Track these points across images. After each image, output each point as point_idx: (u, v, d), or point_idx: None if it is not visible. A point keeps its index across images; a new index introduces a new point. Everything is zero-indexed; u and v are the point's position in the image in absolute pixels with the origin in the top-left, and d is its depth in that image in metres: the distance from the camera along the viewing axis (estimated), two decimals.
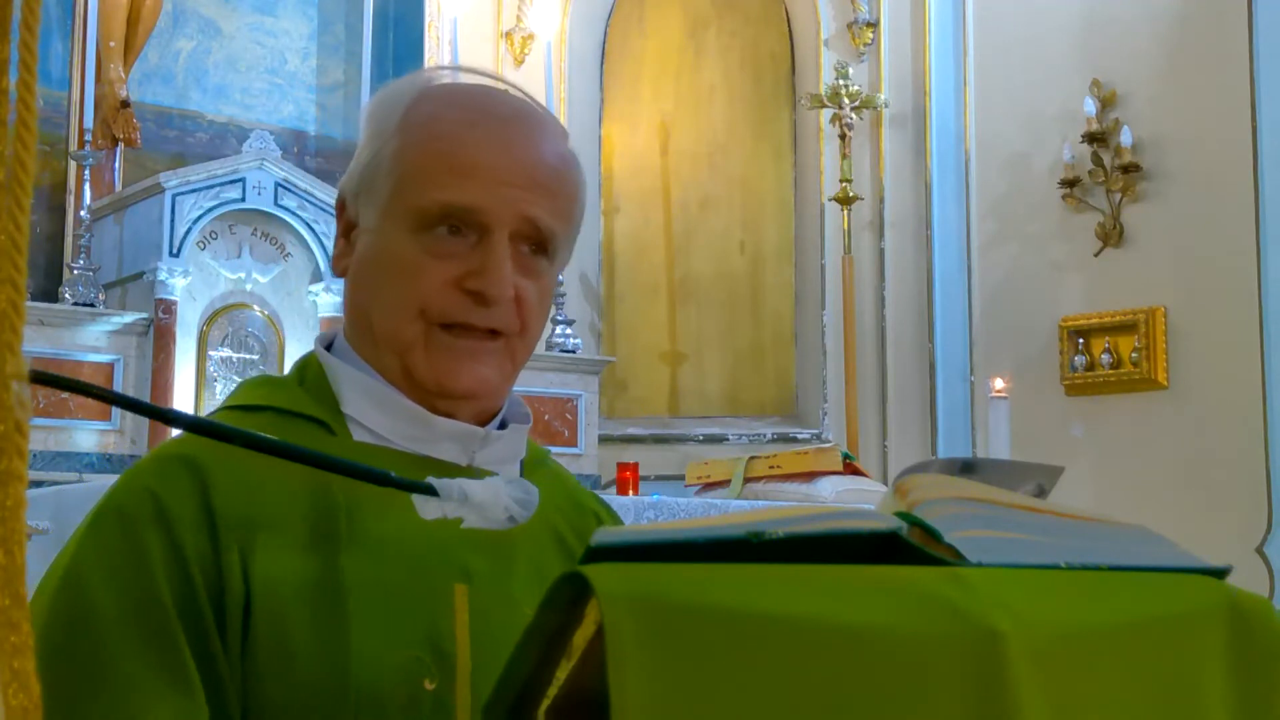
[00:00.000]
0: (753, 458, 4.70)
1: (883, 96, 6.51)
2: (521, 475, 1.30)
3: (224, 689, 1.09)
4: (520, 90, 1.32)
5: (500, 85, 1.31)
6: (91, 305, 4.99)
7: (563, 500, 1.35)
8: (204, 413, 1.38)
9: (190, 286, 5.01)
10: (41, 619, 1.08)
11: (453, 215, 1.21)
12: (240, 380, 1.37)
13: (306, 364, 1.30)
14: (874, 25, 6.59)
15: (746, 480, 4.56)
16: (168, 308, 4.91)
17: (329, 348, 1.31)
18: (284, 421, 1.22)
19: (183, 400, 4.91)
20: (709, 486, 4.71)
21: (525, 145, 1.24)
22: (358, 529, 1.16)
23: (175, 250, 4.94)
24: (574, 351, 5.99)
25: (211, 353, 5.06)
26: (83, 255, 5.09)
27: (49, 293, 5.13)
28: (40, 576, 1.15)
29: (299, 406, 1.24)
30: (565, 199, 1.27)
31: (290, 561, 1.13)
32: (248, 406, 1.25)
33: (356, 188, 1.28)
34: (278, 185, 5.13)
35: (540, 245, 1.25)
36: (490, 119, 1.24)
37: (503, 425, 1.30)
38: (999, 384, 4.93)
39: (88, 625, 1.08)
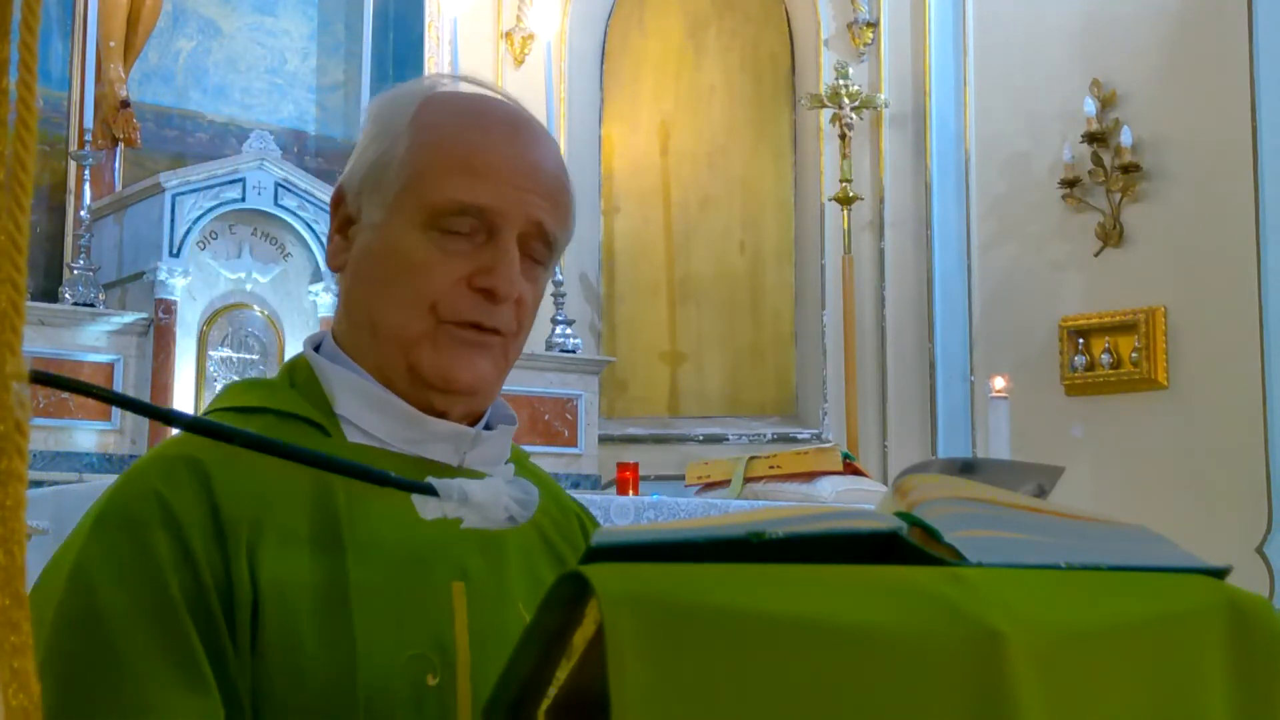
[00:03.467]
0: (753, 458, 4.70)
1: (883, 96, 6.51)
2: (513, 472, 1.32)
3: (236, 689, 1.10)
4: (516, 101, 1.34)
5: (499, 95, 1.33)
6: (91, 305, 4.99)
7: (547, 501, 1.35)
8: (201, 413, 1.37)
9: (190, 286, 5.01)
10: (49, 622, 1.09)
11: (467, 213, 1.23)
12: (232, 382, 1.37)
13: (295, 366, 1.30)
14: (874, 25, 6.59)
15: (746, 480, 4.56)
16: (168, 308, 4.91)
17: (316, 350, 1.31)
18: (281, 423, 1.23)
19: (183, 400, 4.91)
20: (709, 486, 4.71)
21: (533, 151, 1.27)
22: (359, 529, 1.17)
23: (175, 250, 4.94)
24: (574, 351, 5.99)
25: (211, 353, 5.06)
26: (83, 255, 5.09)
27: (49, 293, 5.13)
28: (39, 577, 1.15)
29: (294, 408, 1.25)
30: (564, 207, 1.30)
31: (296, 562, 1.14)
32: (245, 409, 1.26)
33: (360, 184, 1.29)
34: (278, 185, 5.14)
35: (541, 250, 1.27)
36: (502, 123, 1.28)
37: (488, 426, 1.31)
38: (999, 384, 4.93)
39: (100, 628, 1.08)
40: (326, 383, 1.27)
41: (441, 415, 1.25)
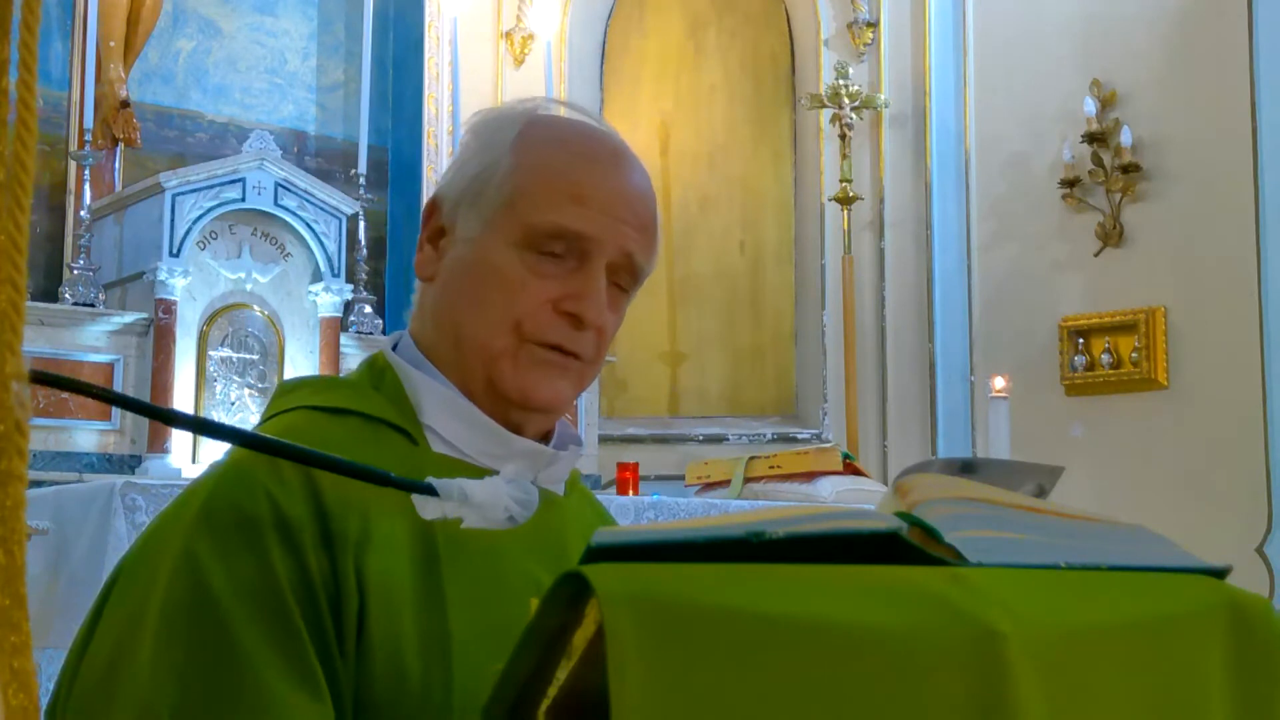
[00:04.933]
0: (753, 458, 4.70)
1: (883, 96, 6.51)
2: (566, 491, 1.35)
3: (342, 694, 1.10)
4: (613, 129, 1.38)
5: (600, 124, 1.37)
6: (91, 305, 4.99)
7: (593, 518, 1.39)
8: (265, 409, 1.36)
9: (190, 286, 5.01)
10: (155, 610, 1.08)
11: (563, 237, 1.25)
12: (301, 378, 1.36)
13: (380, 368, 1.31)
14: (874, 25, 6.59)
15: (746, 480, 4.56)
16: (168, 308, 4.91)
17: (393, 350, 1.32)
18: (370, 428, 1.24)
19: (183, 400, 4.91)
20: (709, 486, 4.71)
21: (635, 182, 1.30)
22: (453, 540, 1.17)
23: (175, 250, 4.93)
24: None
25: (211, 353, 5.06)
26: (83, 255, 5.09)
27: (49, 293, 5.13)
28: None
29: (382, 413, 1.25)
30: (654, 238, 1.32)
31: (398, 569, 1.15)
32: (332, 409, 1.26)
33: (459, 196, 1.30)
34: (278, 185, 5.13)
35: (627, 279, 1.30)
36: (605, 153, 1.30)
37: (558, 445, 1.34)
38: (999, 384, 4.93)
39: (218, 618, 1.07)
40: (413, 389, 1.27)
41: (517, 430, 1.27)
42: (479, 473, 1.20)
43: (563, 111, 1.36)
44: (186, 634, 1.07)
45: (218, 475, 1.17)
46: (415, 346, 1.30)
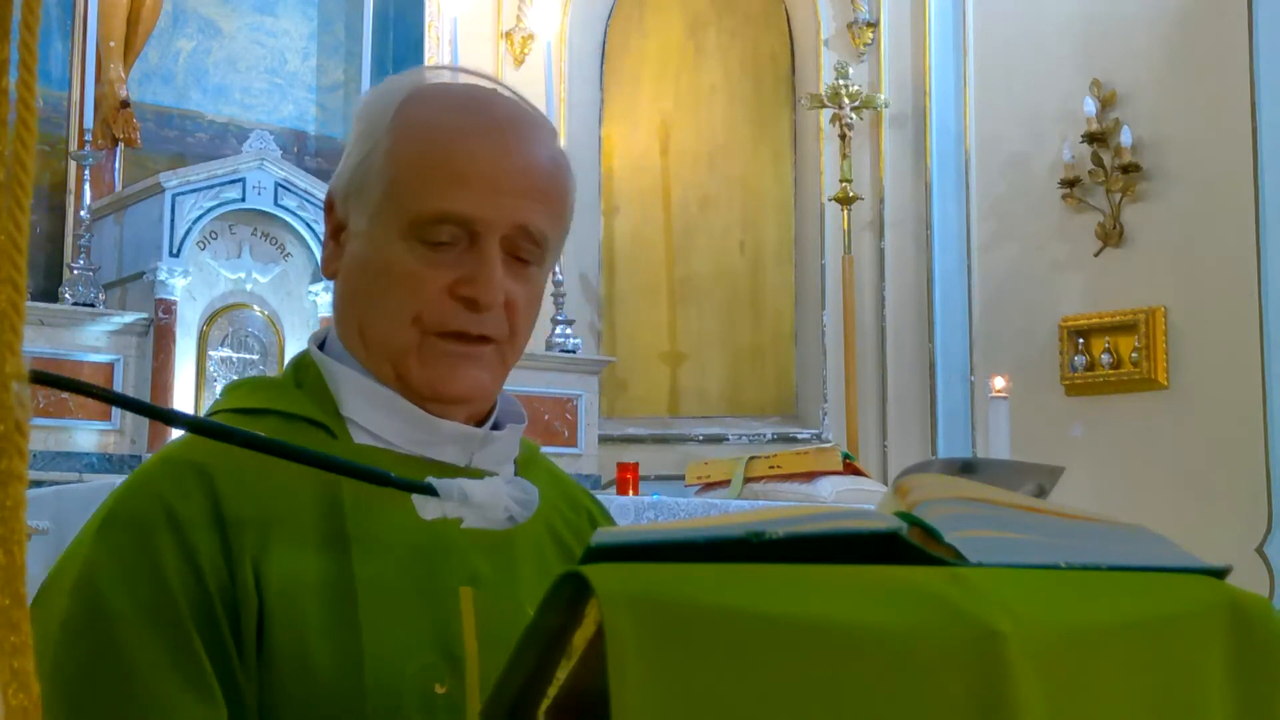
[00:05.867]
0: (753, 458, 4.70)
1: (883, 96, 6.51)
2: (518, 471, 1.30)
3: (241, 696, 1.09)
4: (513, 91, 1.30)
5: (493, 86, 1.30)
6: (91, 305, 4.99)
7: (558, 498, 1.35)
8: (203, 413, 1.35)
9: (190, 286, 5.01)
10: (56, 626, 1.08)
11: (447, 221, 1.20)
12: (236, 381, 1.35)
13: (303, 365, 1.29)
14: (874, 25, 6.59)
15: (746, 480, 4.56)
16: (168, 308, 4.91)
17: (321, 346, 1.29)
18: (287, 425, 1.22)
19: (183, 400, 4.91)
20: (709, 486, 4.71)
21: (519, 151, 1.23)
22: (366, 532, 1.16)
23: (175, 250, 4.94)
24: (574, 351, 5.98)
25: (211, 353, 5.06)
26: (83, 255, 5.09)
27: (49, 293, 5.12)
28: (44, 573, 1.14)
29: (301, 410, 1.23)
30: (557, 202, 1.27)
31: (302, 565, 1.13)
32: (250, 410, 1.24)
33: (346, 189, 1.26)
34: (278, 185, 5.13)
35: (531, 250, 1.24)
36: (485, 124, 1.23)
37: (497, 425, 1.30)
38: (999, 384, 4.93)
39: (109, 634, 1.07)
40: (333, 383, 1.25)
41: (442, 416, 1.24)
42: (403, 461, 1.20)
43: (448, 78, 1.30)
44: (82, 651, 1.07)
45: (121, 488, 1.18)
46: (339, 341, 1.27)
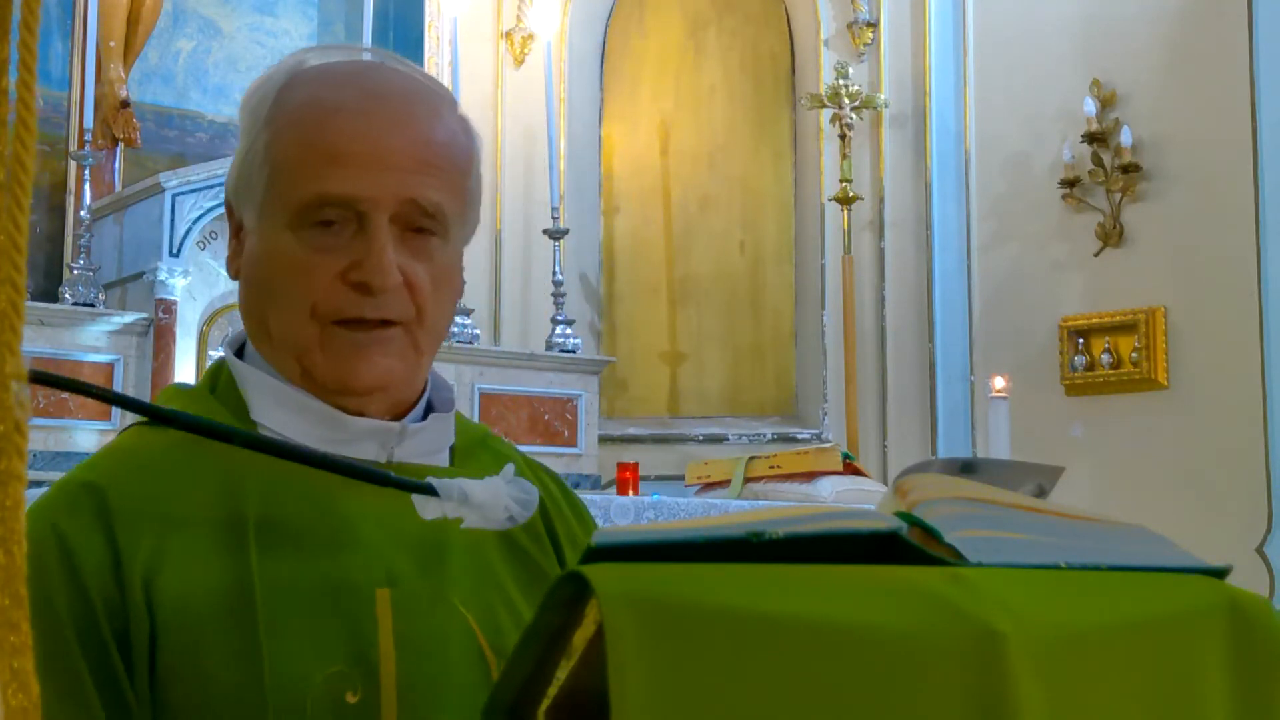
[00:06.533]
0: (753, 458, 4.71)
1: (883, 96, 6.51)
2: (453, 461, 1.26)
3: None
4: (405, 62, 1.25)
5: (380, 60, 1.25)
6: (91, 305, 4.99)
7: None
8: (124, 427, 1.31)
9: (190, 286, 5.01)
10: None
11: (330, 205, 1.16)
12: (164, 390, 1.32)
13: (218, 370, 1.25)
14: (874, 25, 6.59)
15: (746, 480, 4.56)
16: (168, 308, 4.91)
17: (242, 349, 1.26)
18: (193, 435, 1.17)
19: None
20: (709, 486, 4.71)
21: (402, 123, 1.18)
22: (272, 535, 1.12)
23: (175, 250, 4.94)
24: (574, 351, 5.99)
25: (211, 353, 5.05)
26: (83, 255, 5.09)
27: (49, 293, 5.13)
28: None
29: (208, 416, 1.18)
30: (453, 173, 1.21)
31: (200, 576, 1.10)
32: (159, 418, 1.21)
33: (235, 186, 1.23)
34: None
35: (428, 222, 1.19)
36: (362, 98, 1.18)
37: (431, 410, 1.26)
38: (999, 384, 4.93)
39: None
40: (244, 387, 1.21)
41: (359, 413, 1.20)
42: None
43: (331, 57, 1.24)
44: None
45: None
46: (251, 342, 1.24)
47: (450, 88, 6.22)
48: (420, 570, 1.16)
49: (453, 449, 1.28)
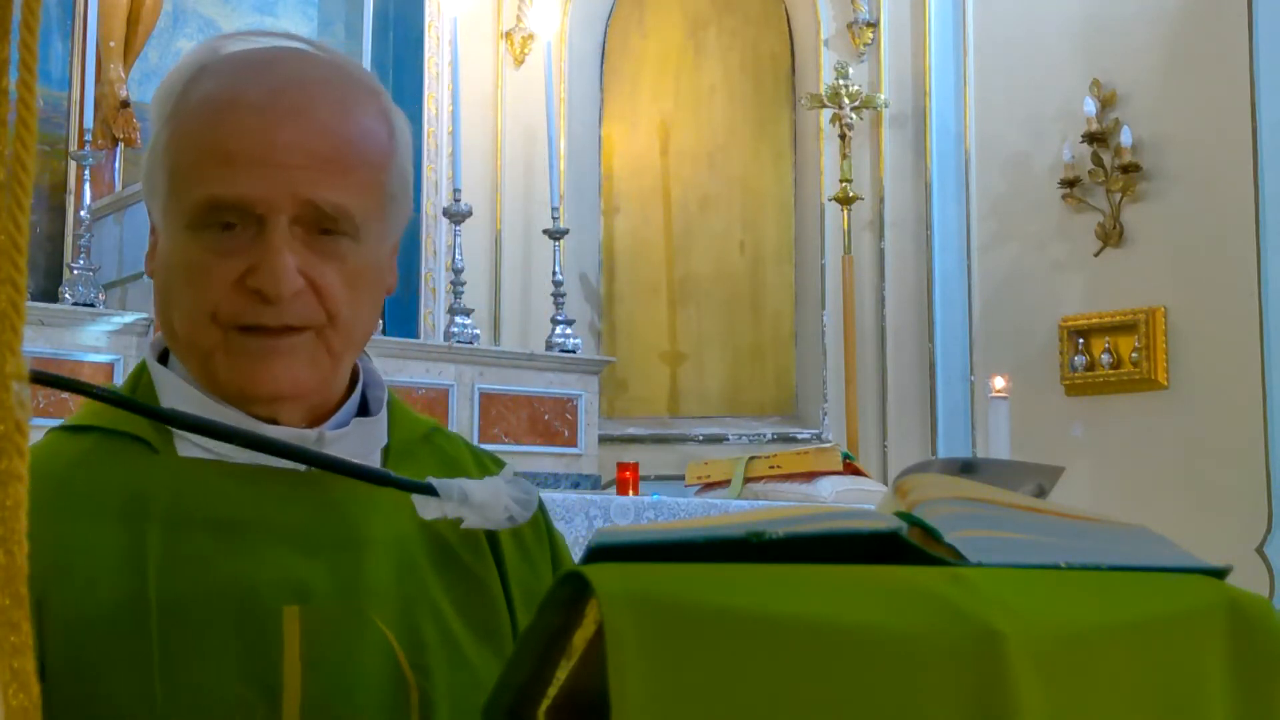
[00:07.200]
0: (753, 458, 4.70)
1: (883, 96, 6.51)
2: (385, 464, 1.21)
3: None
4: (325, 49, 1.18)
5: (298, 46, 1.17)
6: (91, 305, 4.99)
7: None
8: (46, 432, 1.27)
9: None
10: None
11: (223, 209, 1.09)
12: None
13: (139, 374, 1.21)
14: (874, 25, 6.59)
15: (746, 480, 4.56)
16: None
17: (165, 353, 1.21)
18: (108, 442, 1.13)
19: None
20: (709, 486, 4.71)
21: (295, 117, 1.10)
22: (176, 551, 1.08)
23: None
24: (574, 351, 5.98)
25: None
26: (83, 255, 5.09)
27: (49, 293, 5.12)
28: None
29: (122, 424, 1.14)
30: (361, 169, 1.13)
31: (94, 600, 1.05)
32: (75, 427, 1.16)
33: (144, 186, 1.18)
34: None
35: (334, 222, 1.12)
36: (261, 92, 1.10)
37: (363, 411, 1.21)
38: (999, 384, 4.93)
39: None
40: (160, 393, 1.17)
41: (271, 421, 1.15)
42: (235, 471, 1.12)
43: (248, 45, 1.17)
44: None
45: None
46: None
47: (450, 88, 6.23)
48: (336, 584, 1.11)
49: (386, 450, 1.22)
